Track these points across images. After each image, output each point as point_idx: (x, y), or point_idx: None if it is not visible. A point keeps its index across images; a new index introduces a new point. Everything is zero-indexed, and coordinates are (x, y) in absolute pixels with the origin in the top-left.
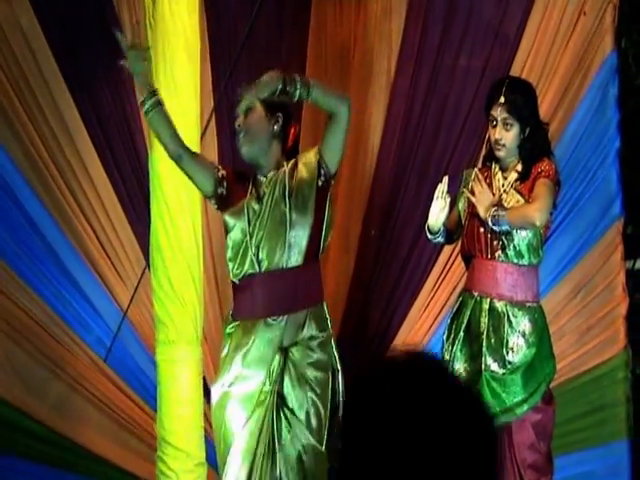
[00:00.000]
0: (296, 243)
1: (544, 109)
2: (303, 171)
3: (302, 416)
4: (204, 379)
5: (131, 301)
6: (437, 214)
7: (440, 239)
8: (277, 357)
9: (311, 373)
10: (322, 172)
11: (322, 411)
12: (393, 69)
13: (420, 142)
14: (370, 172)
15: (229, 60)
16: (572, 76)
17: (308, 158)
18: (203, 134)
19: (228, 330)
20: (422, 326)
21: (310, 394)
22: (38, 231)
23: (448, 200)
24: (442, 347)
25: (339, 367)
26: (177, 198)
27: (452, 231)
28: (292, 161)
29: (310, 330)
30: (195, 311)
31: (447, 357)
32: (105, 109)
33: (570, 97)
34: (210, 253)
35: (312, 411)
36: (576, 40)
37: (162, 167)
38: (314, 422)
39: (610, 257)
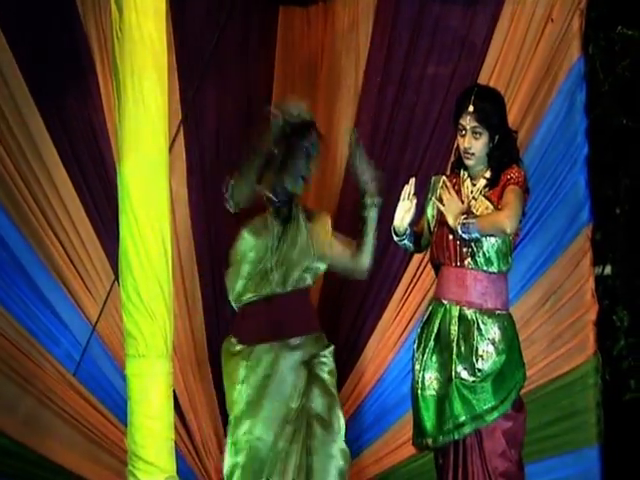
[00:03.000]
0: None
1: (512, 116)
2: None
3: (331, 421)
4: (174, 392)
5: (100, 315)
6: (403, 215)
7: (406, 241)
8: (302, 373)
9: (330, 381)
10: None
11: (341, 414)
12: (360, 81)
13: (388, 152)
14: (339, 182)
15: (196, 73)
16: (540, 83)
17: (325, 226)
18: (171, 146)
19: (235, 350)
20: (392, 336)
21: (331, 400)
22: (6, 246)
23: (414, 202)
24: (412, 356)
25: None
26: (146, 212)
27: (419, 236)
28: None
29: (323, 341)
30: (165, 325)
31: (417, 366)
32: (72, 123)
33: (538, 104)
34: (179, 267)
35: (337, 415)
36: (543, 47)
37: (131, 181)
38: (339, 426)
39: (579, 263)
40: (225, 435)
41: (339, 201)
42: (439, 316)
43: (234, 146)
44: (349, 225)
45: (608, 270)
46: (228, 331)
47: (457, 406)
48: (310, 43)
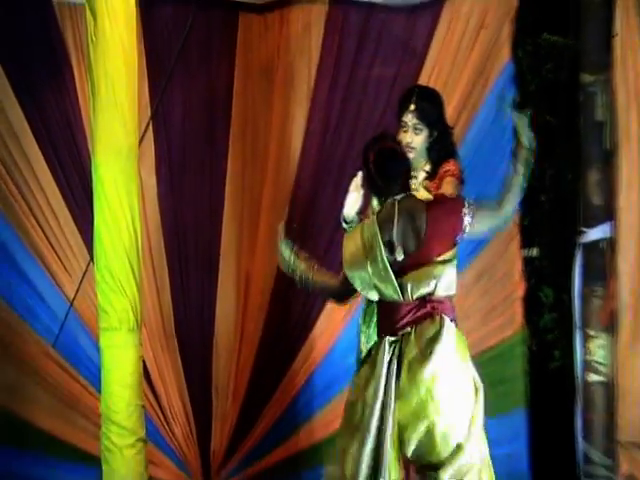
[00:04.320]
0: None
1: (449, 114)
2: None
3: None
4: (143, 362)
5: (77, 292)
6: (352, 204)
7: (353, 228)
8: None
9: None
10: None
11: None
12: (313, 80)
13: (337, 145)
14: (293, 173)
15: (164, 74)
16: (474, 84)
17: None
18: (141, 140)
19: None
20: (339, 312)
21: None
22: None
23: (362, 192)
24: (358, 329)
25: None
26: (117, 200)
27: None
28: None
29: None
30: (134, 301)
31: (363, 339)
32: (51, 117)
33: (472, 103)
34: (148, 248)
35: None
36: (477, 51)
37: (104, 171)
38: None
39: (509, 246)
40: (190, 402)
41: (293, 189)
42: None
43: (198, 140)
44: (302, 213)
45: (535, 252)
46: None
47: None
48: (267, 46)
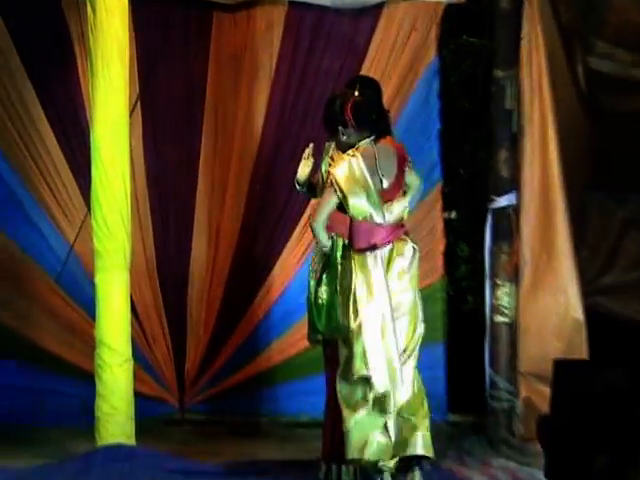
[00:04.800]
0: None
1: (386, 99)
2: None
3: None
4: (131, 297)
5: (76, 237)
6: (303, 170)
7: (304, 190)
8: None
9: None
10: None
11: None
12: (273, 70)
13: (293, 123)
14: (256, 144)
15: (150, 61)
16: (406, 75)
17: None
18: (131, 114)
19: None
20: (295, 258)
21: None
22: (5, 184)
23: (312, 160)
24: (308, 274)
25: None
26: (111, 159)
27: (315, 186)
28: None
29: None
30: (124, 245)
31: (312, 282)
32: (57, 94)
33: (404, 91)
34: (135, 202)
35: None
36: (409, 48)
37: (100, 138)
38: None
39: (432, 210)
40: (169, 329)
41: (256, 157)
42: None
43: (178, 115)
44: (263, 176)
45: (453, 215)
46: None
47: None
48: (236, 40)
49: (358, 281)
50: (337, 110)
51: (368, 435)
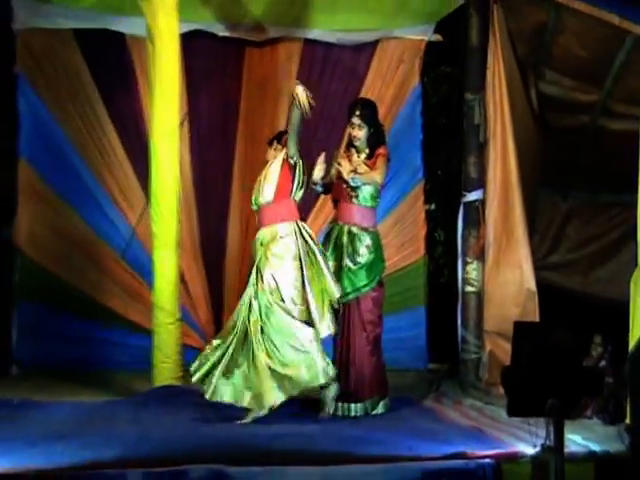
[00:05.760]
0: None
1: (380, 116)
2: None
3: None
4: (180, 269)
5: (138, 223)
6: (317, 173)
7: (319, 188)
8: None
9: None
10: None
11: None
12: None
13: (307, 134)
14: None
15: (196, 84)
16: (396, 97)
17: None
18: (181, 125)
19: None
20: None
21: None
22: (81, 179)
23: (324, 166)
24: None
25: None
26: (164, 161)
27: (327, 186)
28: None
29: None
30: (175, 229)
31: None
32: (122, 107)
33: (394, 109)
34: (184, 194)
35: None
36: (398, 76)
37: (157, 144)
38: None
39: (416, 203)
40: (209, 296)
41: None
42: (336, 231)
43: (217, 127)
44: None
45: (433, 207)
46: None
47: (345, 283)
48: (263, 69)
49: None
50: None
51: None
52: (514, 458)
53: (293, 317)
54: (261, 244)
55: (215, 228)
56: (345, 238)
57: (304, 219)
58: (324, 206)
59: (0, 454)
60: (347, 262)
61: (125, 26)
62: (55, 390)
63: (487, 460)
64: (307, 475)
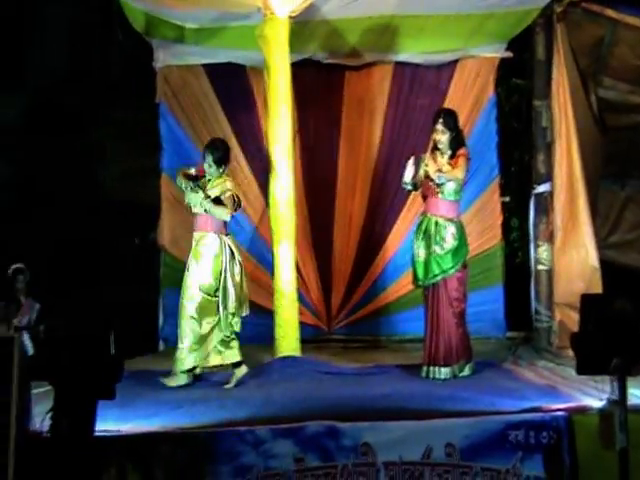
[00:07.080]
0: None
1: (461, 122)
2: None
3: None
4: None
5: (259, 222)
6: (408, 174)
7: (409, 187)
8: None
9: None
10: None
11: None
12: (385, 106)
13: (398, 143)
14: (375, 157)
15: (305, 105)
16: (474, 106)
17: None
18: (293, 140)
19: None
20: (404, 230)
21: None
22: None
23: (413, 168)
24: (412, 240)
25: None
26: (280, 169)
27: (416, 184)
28: None
29: None
30: (291, 226)
31: (415, 246)
32: (244, 127)
33: (473, 117)
34: (297, 197)
35: None
36: (475, 89)
37: (273, 155)
38: None
39: (493, 196)
40: (320, 280)
41: (375, 166)
42: (425, 222)
43: (323, 141)
44: (380, 178)
45: (508, 198)
46: None
47: (434, 266)
48: (360, 89)
49: None
50: None
51: None
52: (583, 411)
53: None
54: None
55: (323, 223)
56: (433, 228)
57: (398, 212)
58: (415, 201)
59: (152, 415)
60: (435, 248)
61: (246, 59)
62: None
63: (560, 413)
64: (406, 428)
